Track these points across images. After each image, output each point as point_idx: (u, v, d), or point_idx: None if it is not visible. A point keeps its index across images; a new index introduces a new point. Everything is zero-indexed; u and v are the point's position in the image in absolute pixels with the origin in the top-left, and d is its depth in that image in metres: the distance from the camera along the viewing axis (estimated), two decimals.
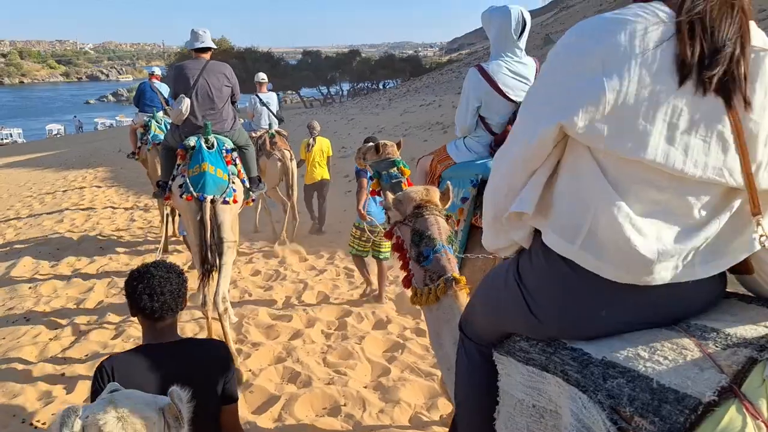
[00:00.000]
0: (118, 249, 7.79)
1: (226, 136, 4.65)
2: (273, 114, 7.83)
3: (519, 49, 3.02)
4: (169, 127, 5.52)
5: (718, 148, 1.07)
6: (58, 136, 49.31)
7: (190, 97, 4.50)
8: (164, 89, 8.01)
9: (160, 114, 7.91)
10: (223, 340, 4.10)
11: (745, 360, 1.02)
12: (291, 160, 7.48)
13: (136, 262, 7.15)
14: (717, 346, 1.08)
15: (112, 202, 11.33)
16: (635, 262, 1.09)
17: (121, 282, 6.24)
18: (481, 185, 2.92)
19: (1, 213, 11.48)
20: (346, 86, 55.87)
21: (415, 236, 2.34)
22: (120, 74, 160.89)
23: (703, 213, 1.11)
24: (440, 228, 2.34)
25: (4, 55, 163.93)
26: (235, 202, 4.47)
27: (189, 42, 4.83)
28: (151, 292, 1.98)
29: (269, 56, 52.61)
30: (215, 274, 4.29)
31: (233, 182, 4.50)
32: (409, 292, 2.39)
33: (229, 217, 4.44)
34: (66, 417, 1.30)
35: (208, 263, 4.22)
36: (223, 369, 2.00)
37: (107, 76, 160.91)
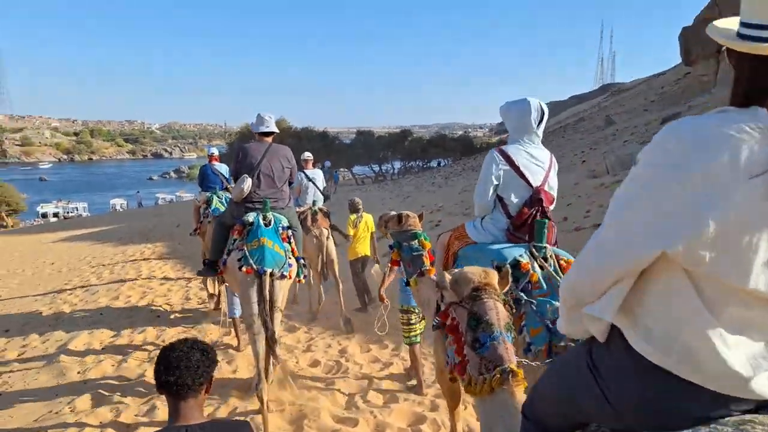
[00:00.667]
0: (173, 326, 7.48)
1: (282, 214, 4.82)
2: (319, 190, 8.00)
3: (537, 137, 3.18)
4: (227, 204, 5.80)
5: None
6: (121, 210, 51.14)
7: (253, 177, 4.72)
8: (224, 169, 8.60)
9: (222, 191, 8.28)
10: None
11: None
12: (327, 238, 7.51)
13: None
14: None
15: (168, 277, 11.17)
16: (734, 380, 1.10)
17: None
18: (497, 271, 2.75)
19: (59, 287, 11.45)
20: (397, 164, 56.51)
21: (472, 320, 2.26)
22: (183, 152, 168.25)
23: None
24: (499, 313, 2.27)
25: (76, 134, 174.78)
26: (290, 277, 4.64)
27: (255, 125, 5.03)
28: (168, 366, 1.97)
29: (324, 135, 54.01)
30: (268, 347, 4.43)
31: (289, 258, 4.65)
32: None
33: (284, 292, 4.64)
34: None
35: (268, 331, 4.35)
36: None
37: (170, 153, 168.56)
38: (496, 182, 3.11)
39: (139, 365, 6.19)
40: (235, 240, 4.70)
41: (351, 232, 7.81)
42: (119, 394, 5.38)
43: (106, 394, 5.38)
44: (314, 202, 7.79)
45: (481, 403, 2.21)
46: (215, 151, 9.28)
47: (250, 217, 4.65)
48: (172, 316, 8.25)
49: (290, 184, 5.11)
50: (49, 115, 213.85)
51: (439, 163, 52.66)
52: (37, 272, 14.48)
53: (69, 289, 11.11)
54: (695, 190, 1.04)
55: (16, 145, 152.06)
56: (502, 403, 2.08)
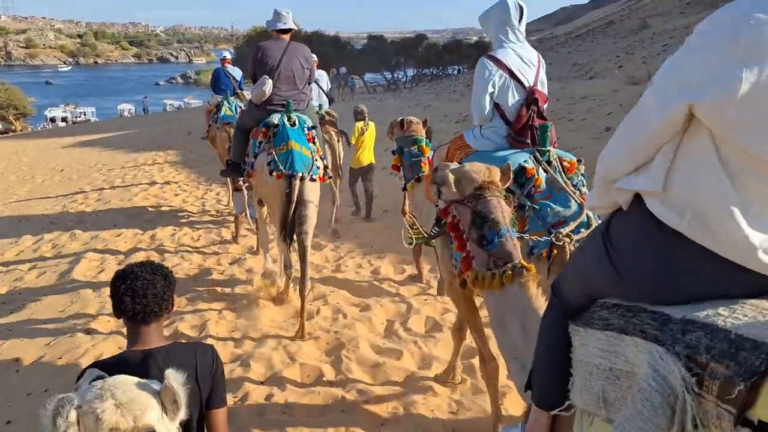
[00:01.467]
0: (193, 236, 7.09)
1: (305, 115, 4.72)
2: (324, 92, 7.74)
3: (521, 34, 3.10)
4: (244, 107, 5.74)
5: None
6: (129, 115, 50.24)
7: (273, 78, 4.55)
8: (236, 73, 8.56)
9: (233, 97, 8.21)
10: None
11: None
12: (338, 141, 7.41)
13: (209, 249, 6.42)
14: None
15: (183, 189, 10.69)
16: (742, 247, 1.11)
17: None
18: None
19: (69, 197, 11.02)
20: (410, 72, 54.67)
21: (477, 218, 2.29)
22: (189, 56, 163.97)
23: None
24: (503, 211, 2.30)
25: (80, 36, 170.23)
26: (321, 179, 4.64)
27: (271, 22, 4.79)
28: (134, 294, 1.91)
29: (336, 40, 52.01)
30: (300, 246, 4.53)
31: (316, 160, 4.58)
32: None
33: (315, 194, 4.59)
34: (60, 407, 1.24)
35: (290, 236, 4.45)
36: (209, 373, 1.90)
37: (176, 58, 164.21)
38: (491, 90, 3.04)
39: None
40: (260, 143, 4.64)
41: (355, 140, 7.77)
42: None
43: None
44: (320, 106, 7.42)
45: (489, 296, 2.26)
46: (227, 55, 9.04)
47: (275, 118, 4.55)
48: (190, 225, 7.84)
49: (309, 83, 4.97)
50: (52, 16, 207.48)
51: (458, 71, 50.81)
52: (47, 179, 14.05)
53: (80, 195, 10.69)
54: (736, 53, 1.03)
55: (21, 47, 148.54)
56: (514, 296, 2.14)
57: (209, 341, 4.45)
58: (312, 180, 4.51)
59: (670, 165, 1.18)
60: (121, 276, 1.96)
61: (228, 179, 7.32)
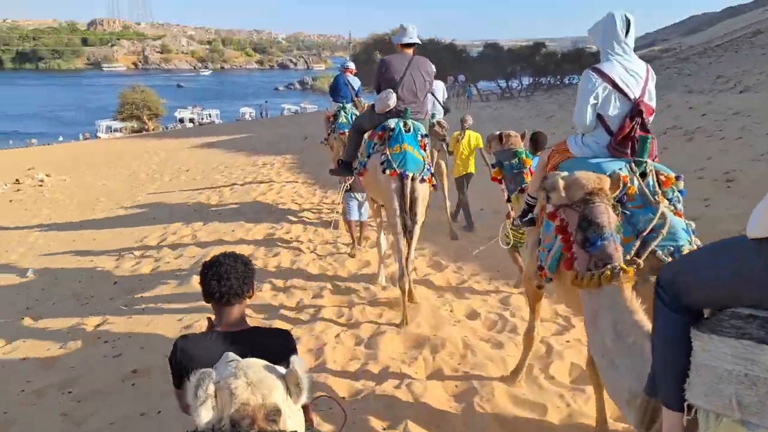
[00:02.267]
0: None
1: (420, 123, 4.96)
2: (439, 102, 7.71)
3: (628, 47, 3.11)
4: (363, 112, 6.07)
5: None
6: (249, 119, 52.55)
7: (396, 91, 4.79)
8: (355, 82, 8.73)
9: (349, 105, 8.47)
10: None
11: None
12: (438, 150, 7.39)
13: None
14: None
15: (300, 195, 10.63)
16: None
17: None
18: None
19: (196, 192, 11.31)
20: (525, 80, 53.04)
21: (584, 222, 2.42)
22: (308, 63, 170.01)
23: None
24: (609, 217, 2.41)
25: (209, 42, 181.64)
26: (429, 181, 4.85)
27: (397, 36, 5.02)
28: (219, 278, 2.13)
29: (452, 47, 51.54)
30: (409, 236, 4.76)
31: (427, 164, 4.82)
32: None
33: (424, 194, 4.82)
34: (201, 380, 1.39)
35: (407, 230, 4.69)
36: (287, 357, 1.72)
37: (295, 65, 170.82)
38: (594, 101, 3.09)
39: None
40: (374, 144, 4.89)
41: (452, 148, 7.86)
42: None
43: None
44: (433, 115, 7.46)
45: (587, 294, 2.38)
46: (351, 65, 9.26)
47: (391, 123, 4.81)
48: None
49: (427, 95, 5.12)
50: (186, 23, 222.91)
51: (570, 81, 48.72)
52: (173, 177, 14.65)
53: (205, 191, 10.92)
54: None
55: (157, 52, 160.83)
56: (610, 296, 2.24)
57: (328, 366, 4.25)
58: (422, 181, 4.76)
59: None
60: (208, 264, 2.21)
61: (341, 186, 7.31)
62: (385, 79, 4.86)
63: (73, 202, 12.62)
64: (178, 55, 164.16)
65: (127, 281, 6.68)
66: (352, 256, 6.75)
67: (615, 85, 3.06)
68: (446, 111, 7.94)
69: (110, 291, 6.41)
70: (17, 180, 15.98)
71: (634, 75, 3.08)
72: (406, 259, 4.81)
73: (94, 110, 65.22)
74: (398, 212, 4.66)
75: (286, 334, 2.25)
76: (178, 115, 54.40)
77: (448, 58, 42.83)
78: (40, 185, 15.37)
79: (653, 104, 3.15)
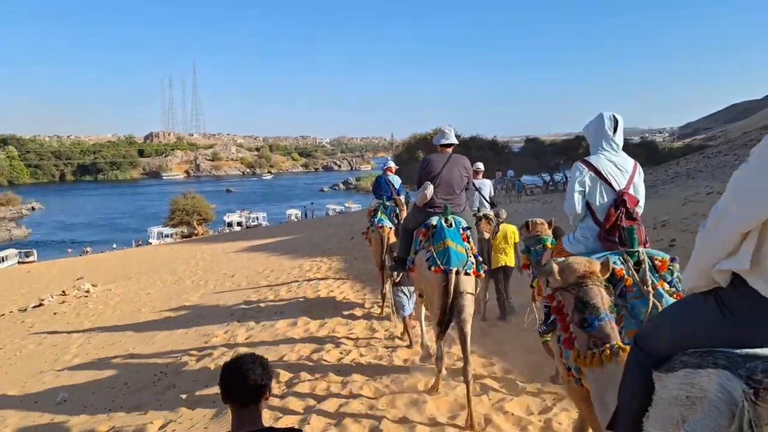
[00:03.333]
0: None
1: (461, 217, 5.23)
2: (485, 198, 8.45)
3: (615, 144, 3.44)
4: (404, 214, 7.05)
5: None
6: (295, 220, 53.32)
7: (434, 184, 5.20)
8: (396, 181, 9.21)
9: (390, 202, 8.85)
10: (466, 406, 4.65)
11: None
12: (486, 240, 7.70)
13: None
14: None
15: (349, 299, 9.94)
16: None
17: None
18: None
19: (236, 304, 10.76)
20: (568, 173, 52.58)
21: (579, 303, 2.63)
22: (351, 165, 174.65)
23: None
24: (603, 298, 2.64)
25: (257, 149, 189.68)
26: (475, 273, 4.99)
27: (436, 138, 5.54)
28: (235, 378, 2.19)
29: (494, 143, 52.05)
30: (460, 334, 4.90)
31: (470, 256, 4.96)
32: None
33: (471, 286, 4.95)
34: None
35: (445, 326, 4.82)
36: None
37: (339, 166, 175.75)
38: (581, 188, 3.35)
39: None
40: (421, 241, 5.15)
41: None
42: None
43: None
44: (479, 209, 8.21)
45: (591, 373, 2.57)
46: (392, 164, 9.66)
47: (434, 220, 5.12)
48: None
49: (466, 190, 5.48)
50: (235, 132, 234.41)
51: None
52: (218, 284, 14.25)
53: (245, 308, 10.35)
54: None
55: (208, 160, 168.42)
56: (612, 372, 2.37)
57: None
58: (467, 274, 4.90)
59: (763, 252, 1.56)
60: (226, 365, 2.25)
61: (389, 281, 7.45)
62: (426, 174, 5.28)
63: (115, 314, 12.27)
64: (227, 162, 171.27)
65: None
66: (409, 347, 6.79)
67: (601, 176, 3.34)
68: (492, 205, 8.60)
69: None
70: (64, 291, 15.89)
71: (621, 169, 3.36)
72: (464, 361, 4.85)
73: (148, 217, 67.61)
74: (442, 306, 4.81)
75: None
76: (226, 218, 55.83)
77: (490, 155, 43.03)
78: (86, 296, 15.19)
79: (639, 197, 3.40)
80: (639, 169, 3.47)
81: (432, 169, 5.26)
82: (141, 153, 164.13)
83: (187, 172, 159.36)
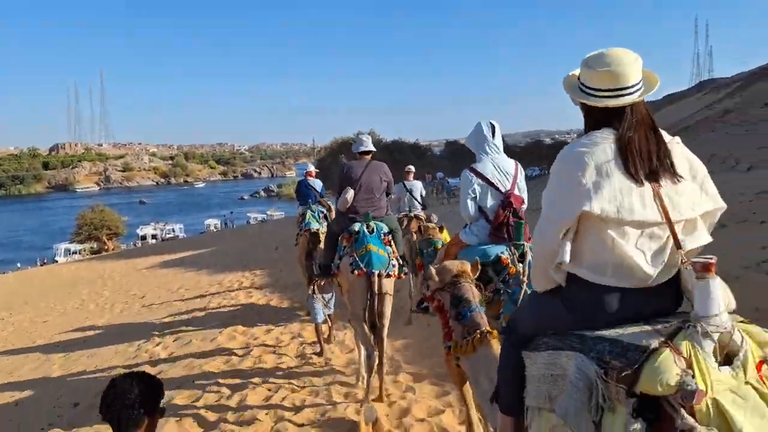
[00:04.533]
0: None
1: (382, 222, 5.45)
2: (416, 200, 8.91)
3: (495, 146, 3.79)
4: (333, 215, 7.36)
5: (655, 206, 1.83)
6: (215, 230, 51.13)
7: (355, 190, 5.36)
8: (317, 184, 9.39)
9: (315, 206, 8.96)
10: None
11: (675, 328, 1.71)
12: (417, 238, 8.12)
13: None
14: (659, 325, 1.78)
15: (277, 325, 8.89)
16: (645, 276, 1.84)
17: None
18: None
19: (147, 334, 9.48)
20: None
21: (455, 300, 3.03)
22: (272, 172, 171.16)
23: (661, 243, 1.85)
24: (473, 293, 3.04)
25: (171, 158, 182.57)
26: (394, 275, 5.27)
27: (355, 146, 5.78)
28: (109, 404, 2.11)
29: (416, 147, 52.22)
30: (378, 334, 5.14)
31: (392, 259, 5.26)
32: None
33: (390, 288, 5.26)
34: None
35: (376, 326, 5.10)
36: None
37: (259, 174, 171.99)
38: (472, 195, 3.69)
39: None
40: (344, 247, 5.32)
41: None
42: None
43: None
44: (409, 209, 8.77)
45: (466, 361, 2.91)
46: (311, 167, 9.78)
47: (356, 226, 5.28)
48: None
49: (387, 194, 5.68)
50: (147, 141, 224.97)
51: (540, 172, 49.25)
52: (126, 307, 12.81)
53: (158, 336, 9.11)
54: (582, 180, 1.84)
55: (118, 171, 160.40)
56: (484, 356, 2.76)
57: None
58: (388, 276, 5.14)
59: (583, 249, 1.90)
60: (107, 386, 2.18)
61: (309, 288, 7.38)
62: (346, 180, 5.40)
63: (6, 347, 10.65)
64: (140, 172, 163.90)
65: None
66: (319, 356, 6.82)
67: (488, 182, 3.66)
68: (424, 207, 9.03)
69: None
70: None
71: (504, 173, 3.69)
72: (379, 356, 5.17)
73: (54, 233, 63.08)
74: (366, 307, 5.05)
75: None
76: (140, 231, 52.77)
77: (412, 157, 42.91)
78: None
79: (524, 196, 3.80)
80: (520, 168, 3.86)
81: (352, 174, 5.41)
82: (46, 166, 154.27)
83: (96, 183, 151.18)
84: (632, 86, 1.90)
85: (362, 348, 5.37)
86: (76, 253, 44.15)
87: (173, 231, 54.40)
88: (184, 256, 22.73)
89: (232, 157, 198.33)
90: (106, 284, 17.69)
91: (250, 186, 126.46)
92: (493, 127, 3.77)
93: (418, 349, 6.47)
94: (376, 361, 5.17)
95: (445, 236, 7.75)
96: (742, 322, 1.75)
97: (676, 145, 1.93)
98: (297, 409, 5.27)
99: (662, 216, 1.81)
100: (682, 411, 1.54)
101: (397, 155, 39.18)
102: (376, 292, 5.02)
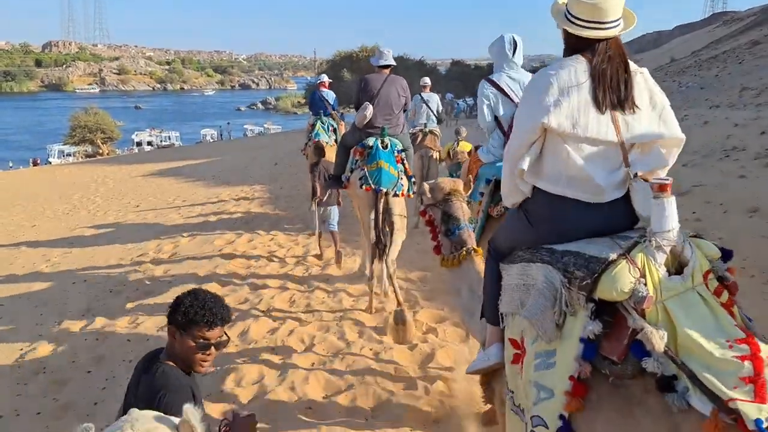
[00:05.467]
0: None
1: (398, 139, 5.42)
2: (433, 113, 8.71)
3: (515, 63, 3.83)
4: (342, 129, 8.25)
5: (610, 128, 2.01)
6: (211, 140, 50.10)
7: (373, 105, 5.29)
8: (330, 96, 9.47)
9: (326, 118, 9.06)
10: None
11: (633, 242, 1.89)
12: (431, 158, 8.37)
13: None
14: (621, 240, 1.94)
15: (279, 244, 8.40)
16: (597, 189, 2.01)
17: None
18: (494, 184, 3.64)
19: (137, 250, 8.97)
20: None
21: (445, 216, 3.21)
22: (270, 83, 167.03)
23: (613, 161, 2.04)
24: (464, 211, 3.20)
25: (168, 63, 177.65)
26: (403, 195, 5.30)
27: (374, 59, 5.63)
28: (203, 306, 2.12)
29: (421, 64, 50.35)
30: (387, 250, 5.15)
31: (401, 178, 5.27)
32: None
33: (398, 207, 5.27)
34: None
35: (381, 243, 5.12)
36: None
37: (257, 84, 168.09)
38: (487, 101, 3.75)
39: None
40: (356, 160, 5.34)
41: (443, 157, 8.47)
42: None
43: None
44: (425, 124, 8.61)
45: (450, 273, 3.14)
46: (325, 78, 9.85)
47: (370, 141, 5.27)
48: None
49: (405, 111, 5.63)
50: (143, 44, 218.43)
51: None
52: (120, 216, 12.26)
53: (152, 248, 8.61)
54: (548, 95, 2.02)
55: (114, 73, 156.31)
56: (467, 270, 3.00)
57: None
58: (395, 195, 5.17)
59: (542, 162, 2.10)
60: (187, 294, 2.18)
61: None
62: (364, 94, 5.34)
63: None
64: (136, 76, 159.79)
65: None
66: (319, 258, 7.28)
67: (503, 91, 3.77)
68: (439, 121, 9.03)
69: None
70: None
71: (519, 83, 3.76)
72: (389, 269, 5.18)
73: (46, 134, 61.74)
74: (372, 224, 5.11)
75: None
76: (135, 138, 51.58)
77: (417, 76, 41.45)
78: None
79: None
80: None
81: (370, 89, 5.33)
82: (39, 63, 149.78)
83: (95, 85, 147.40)
84: (612, 21, 2.04)
85: (367, 260, 5.64)
86: (70, 155, 43.34)
87: (169, 138, 53.25)
88: (180, 165, 22.03)
89: (229, 66, 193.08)
90: (99, 190, 17.08)
91: (248, 97, 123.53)
92: (515, 45, 3.79)
93: (436, 283, 5.98)
94: (375, 282, 5.49)
95: (464, 146, 8.05)
96: (694, 236, 1.92)
97: (639, 76, 2.08)
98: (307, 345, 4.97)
99: (617, 137, 2.01)
100: (635, 313, 1.77)
101: (403, 72, 37.74)
102: (381, 209, 5.07)
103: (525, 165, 2.08)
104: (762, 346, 1.64)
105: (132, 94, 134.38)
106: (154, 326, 5.55)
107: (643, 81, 2.07)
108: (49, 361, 5.08)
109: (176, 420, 1.45)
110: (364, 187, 5.09)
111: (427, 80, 9.45)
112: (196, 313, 2.10)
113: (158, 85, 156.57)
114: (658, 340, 1.68)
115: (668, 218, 1.83)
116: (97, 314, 6.04)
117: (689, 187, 6.79)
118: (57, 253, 9.17)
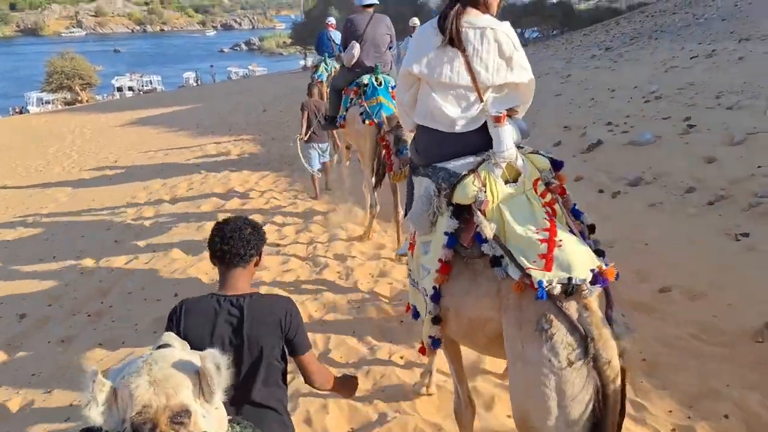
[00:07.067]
0: None
1: (389, 76, 5.49)
2: None
3: None
4: (338, 69, 7.36)
5: (464, 73, 2.44)
6: (194, 84, 48.29)
7: (359, 43, 5.35)
8: (337, 37, 9.04)
9: (330, 60, 9.00)
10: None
11: (481, 160, 2.37)
12: None
13: None
14: (479, 158, 2.40)
15: (276, 201, 7.51)
16: (450, 122, 2.46)
17: None
18: None
19: (115, 211, 8.05)
20: None
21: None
22: (253, 23, 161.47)
23: (468, 100, 2.47)
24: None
25: (146, 3, 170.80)
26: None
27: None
28: (223, 237, 2.07)
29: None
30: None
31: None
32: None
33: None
34: (89, 380, 1.25)
35: (380, 174, 5.33)
36: (287, 324, 2.00)
37: (240, 24, 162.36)
38: None
39: None
40: (351, 99, 5.42)
41: None
42: None
43: None
44: None
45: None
46: (332, 20, 9.78)
47: (365, 79, 5.34)
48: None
49: (390, 48, 5.62)
50: None
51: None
52: (96, 173, 11.27)
53: (131, 209, 7.71)
54: (416, 48, 2.54)
55: (91, 16, 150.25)
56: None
57: None
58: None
59: (418, 98, 2.59)
60: (217, 224, 2.15)
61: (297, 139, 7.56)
62: (350, 34, 5.41)
63: None
64: (114, 18, 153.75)
65: None
66: (315, 199, 7.42)
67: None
68: None
69: None
70: None
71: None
72: (394, 206, 5.25)
73: (23, 80, 59.32)
74: (374, 156, 5.27)
75: (288, 302, 2.12)
76: (115, 83, 49.64)
77: (409, 11, 39.63)
78: None
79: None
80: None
81: (356, 29, 5.38)
82: (13, 7, 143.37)
83: (66, 29, 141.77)
84: None
85: (368, 196, 5.69)
86: (49, 103, 41.77)
87: (151, 83, 51.31)
88: (161, 113, 20.80)
89: (210, 6, 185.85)
90: (75, 142, 15.97)
91: (231, 38, 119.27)
92: None
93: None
94: (378, 209, 5.63)
95: None
96: (532, 153, 2.46)
97: (489, 31, 2.42)
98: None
99: (471, 81, 2.44)
100: (478, 212, 2.27)
101: (393, 9, 35.96)
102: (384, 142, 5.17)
103: (404, 100, 2.68)
104: (559, 232, 2.15)
105: (110, 37, 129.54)
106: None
107: (492, 35, 2.41)
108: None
109: (197, 362, 1.35)
110: (366, 121, 5.16)
111: (416, 21, 9.35)
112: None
113: (137, 27, 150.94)
114: (488, 230, 2.20)
115: (503, 142, 2.36)
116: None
117: (743, 136, 5.85)
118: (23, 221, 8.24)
